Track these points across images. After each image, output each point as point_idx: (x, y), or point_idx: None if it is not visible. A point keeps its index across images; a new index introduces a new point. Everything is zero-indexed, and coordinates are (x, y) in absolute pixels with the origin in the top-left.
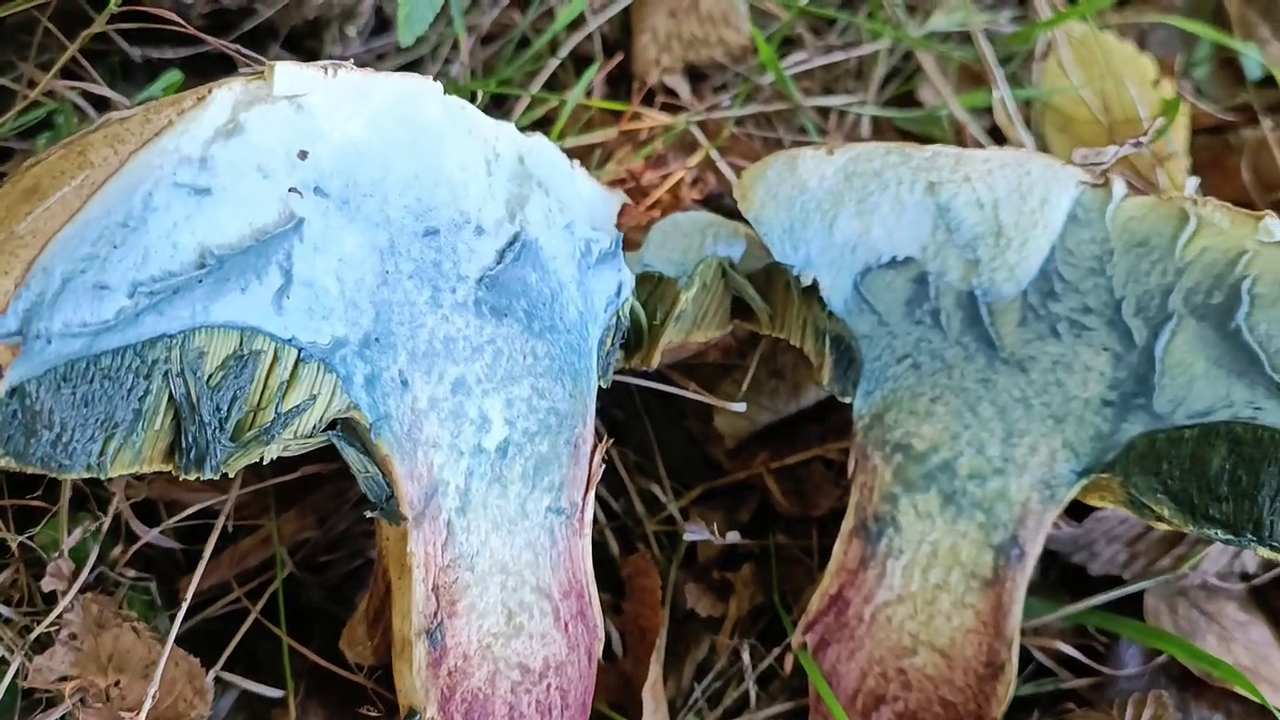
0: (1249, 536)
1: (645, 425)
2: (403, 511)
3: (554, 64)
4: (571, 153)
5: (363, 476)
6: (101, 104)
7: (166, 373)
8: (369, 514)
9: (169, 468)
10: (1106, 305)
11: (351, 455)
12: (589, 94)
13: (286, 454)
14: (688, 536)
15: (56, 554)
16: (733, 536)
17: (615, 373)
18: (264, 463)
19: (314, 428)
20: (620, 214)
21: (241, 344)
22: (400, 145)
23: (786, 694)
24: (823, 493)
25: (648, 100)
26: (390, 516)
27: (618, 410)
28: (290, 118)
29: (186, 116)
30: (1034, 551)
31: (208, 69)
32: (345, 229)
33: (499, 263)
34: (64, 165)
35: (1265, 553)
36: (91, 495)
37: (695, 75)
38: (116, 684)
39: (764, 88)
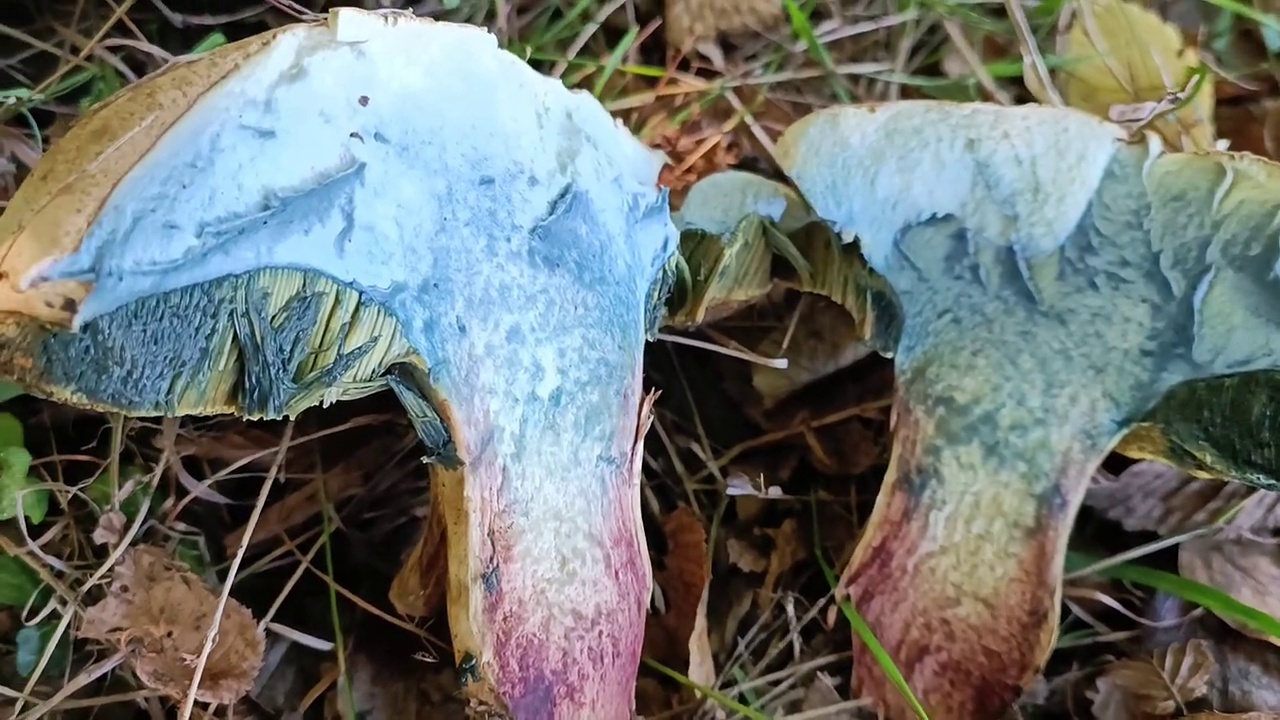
0: None
1: (684, 387)
2: (460, 456)
3: (588, 32)
4: None
5: (420, 421)
6: (142, 69)
7: (232, 312)
8: (425, 460)
9: (232, 409)
10: (1144, 258)
11: (410, 400)
12: (624, 61)
13: (345, 398)
14: (730, 491)
15: (108, 507)
16: (774, 490)
17: (660, 330)
18: (324, 406)
19: (374, 371)
20: (659, 176)
21: (304, 286)
22: (455, 95)
23: (830, 647)
24: (861, 451)
25: (682, 68)
26: (447, 461)
27: (657, 373)
28: (351, 64)
29: (252, 60)
30: (1076, 500)
31: (246, 35)
32: (404, 175)
33: (551, 213)
34: (133, 107)
35: None
36: (139, 452)
37: (727, 44)
38: (169, 635)
39: (795, 56)
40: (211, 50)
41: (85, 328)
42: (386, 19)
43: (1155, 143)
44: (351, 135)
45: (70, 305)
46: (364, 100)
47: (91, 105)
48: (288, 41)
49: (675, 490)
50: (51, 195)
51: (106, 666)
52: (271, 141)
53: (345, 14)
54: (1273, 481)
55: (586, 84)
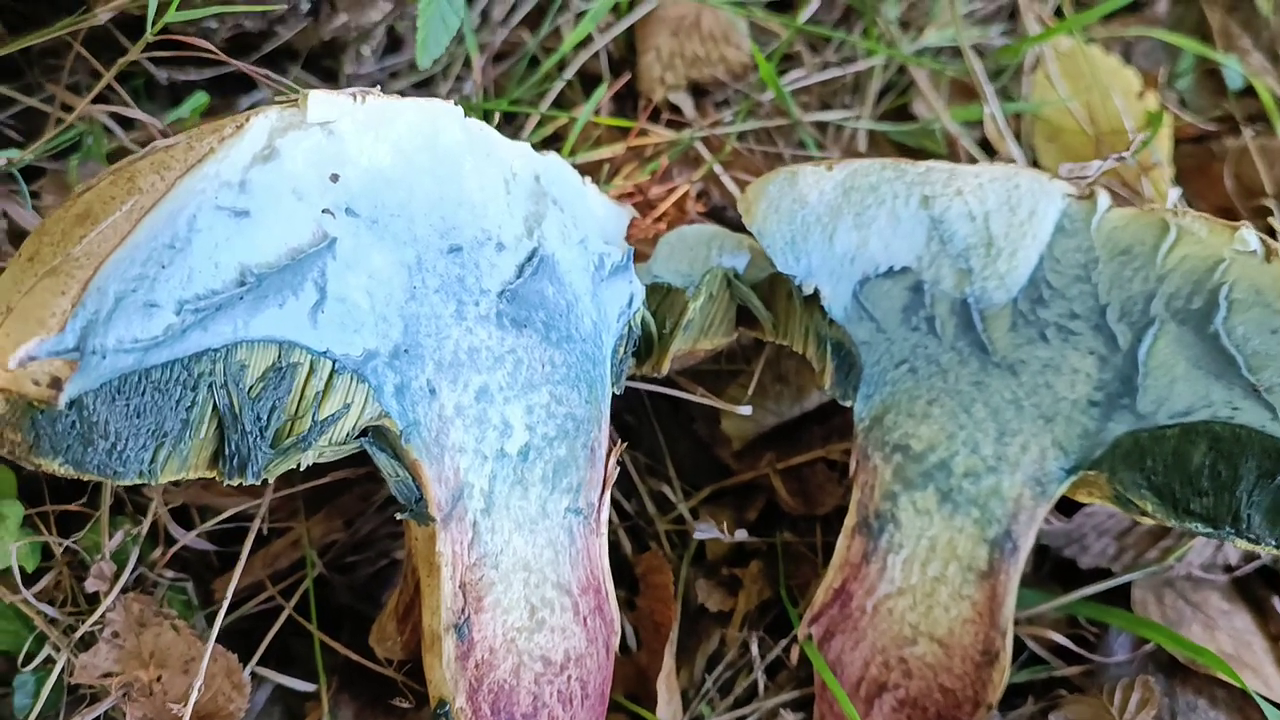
0: (1228, 529)
1: (655, 429)
2: (431, 513)
3: (562, 82)
4: (581, 168)
5: (394, 480)
6: (129, 125)
7: (211, 385)
8: (399, 516)
9: (213, 474)
10: (1092, 311)
11: (383, 460)
12: (597, 112)
13: (321, 460)
14: (698, 535)
15: (99, 556)
16: (741, 534)
17: (627, 379)
18: (301, 469)
19: (348, 435)
20: (629, 227)
21: (280, 357)
22: (423, 169)
23: (793, 683)
24: (826, 492)
25: (653, 117)
26: (420, 518)
27: (629, 415)
28: (322, 143)
29: (226, 143)
30: (1026, 545)
31: (230, 89)
32: (375, 247)
33: (518, 277)
34: (114, 191)
35: (1243, 544)
36: (129, 501)
37: (698, 92)
38: (159, 679)
39: (764, 104)
40: (188, 132)
41: (71, 404)
42: (355, 98)
43: (1103, 198)
44: (323, 211)
45: (56, 383)
46: (335, 177)
47: (76, 165)
48: (260, 124)
49: (647, 531)
50: (38, 277)
51: (99, 710)
52: (246, 220)
53: (315, 96)
54: (1210, 529)
55: (560, 135)
